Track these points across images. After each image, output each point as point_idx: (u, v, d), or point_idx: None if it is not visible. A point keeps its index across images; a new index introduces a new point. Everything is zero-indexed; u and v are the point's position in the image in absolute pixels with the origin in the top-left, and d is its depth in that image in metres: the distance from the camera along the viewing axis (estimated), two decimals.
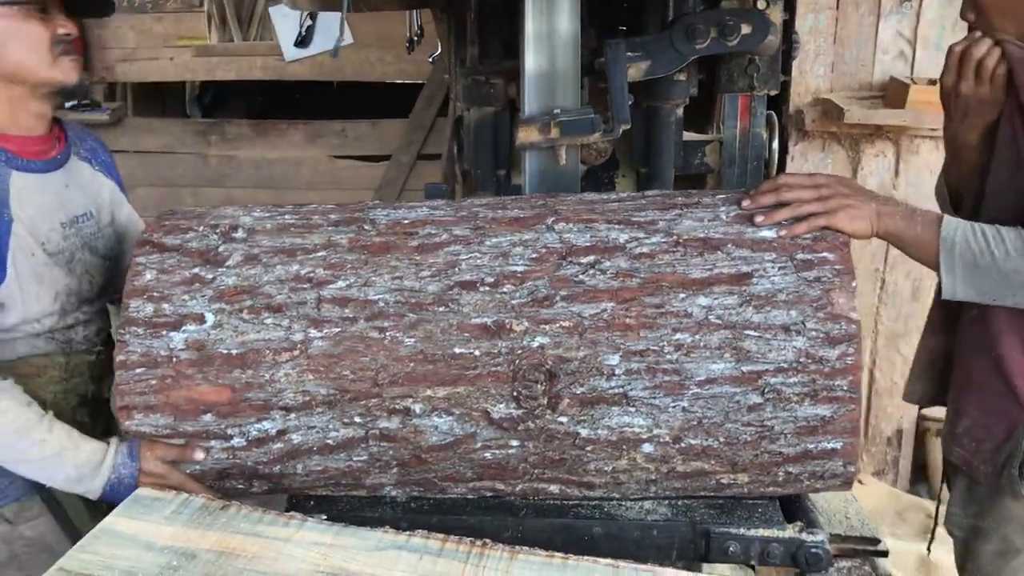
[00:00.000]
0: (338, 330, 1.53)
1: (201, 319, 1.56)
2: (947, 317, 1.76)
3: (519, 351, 1.48)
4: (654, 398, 1.47)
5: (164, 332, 1.56)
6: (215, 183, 4.90)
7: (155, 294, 1.58)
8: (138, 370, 1.56)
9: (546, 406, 1.49)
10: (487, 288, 1.52)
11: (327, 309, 1.54)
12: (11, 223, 1.68)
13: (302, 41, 4.54)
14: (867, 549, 1.96)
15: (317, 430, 1.56)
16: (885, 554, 1.99)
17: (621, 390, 1.47)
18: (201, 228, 1.67)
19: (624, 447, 1.50)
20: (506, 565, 1.31)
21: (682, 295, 1.47)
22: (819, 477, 1.52)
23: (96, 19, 4.87)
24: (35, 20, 1.67)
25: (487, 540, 1.37)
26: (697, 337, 1.45)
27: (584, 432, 1.49)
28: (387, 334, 1.52)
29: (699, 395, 1.46)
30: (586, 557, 1.33)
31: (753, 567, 2.00)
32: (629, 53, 1.93)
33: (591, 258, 1.52)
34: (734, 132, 2.46)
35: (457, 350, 1.50)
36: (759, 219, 1.51)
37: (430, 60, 4.06)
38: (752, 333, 1.45)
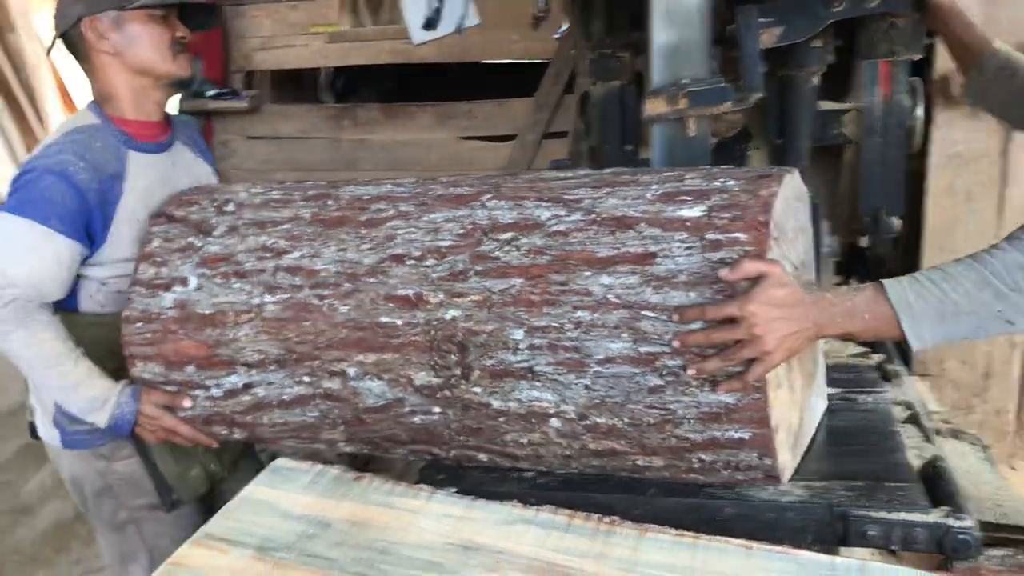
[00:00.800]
0: (287, 296, 1.66)
1: (186, 282, 1.76)
2: None
3: (434, 322, 1.54)
4: (558, 374, 1.47)
5: (159, 292, 1.78)
6: (348, 166, 5.02)
7: (157, 259, 1.81)
8: (137, 324, 1.80)
9: (460, 376, 1.53)
10: (413, 261, 1.58)
11: (281, 276, 1.68)
12: (121, 195, 1.93)
13: (429, 24, 4.58)
14: (1021, 538, 1.85)
15: (275, 386, 1.70)
16: None
17: (527, 364, 1.48)
18: (204, 202, 1.88)
19: (534, 420, 1.52)
20: (634, 543, 1.29)
21: (587, 273, 1.45)
22: (736, 468, 1.46)
23: (236, 14, 5.09)
24: (159, 24, 1.97)
25: (615, 517, 1.36)
26: (596, 316, 1.43)
27: (496, 404, 1.53)
28: (325, 302, 1.63)
29: (600, 374, 1.44)
30: (717, 537, 1.30)
31: (894, 552, 1.91)
32: (761, 19, 1.86)
33: (510, 235, 1.53)
34: (874, 100, 2.35)
35: (383, 319, 1.58)
36: (691, 371, 1.38)
37: (556, 37, 4.04)
38: (649, 314, 1.40)
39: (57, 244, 1.84)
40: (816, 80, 2.35)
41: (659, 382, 1.42)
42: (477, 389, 1.54)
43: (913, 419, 1.78)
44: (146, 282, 1.81)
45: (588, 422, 1.49)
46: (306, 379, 1.66)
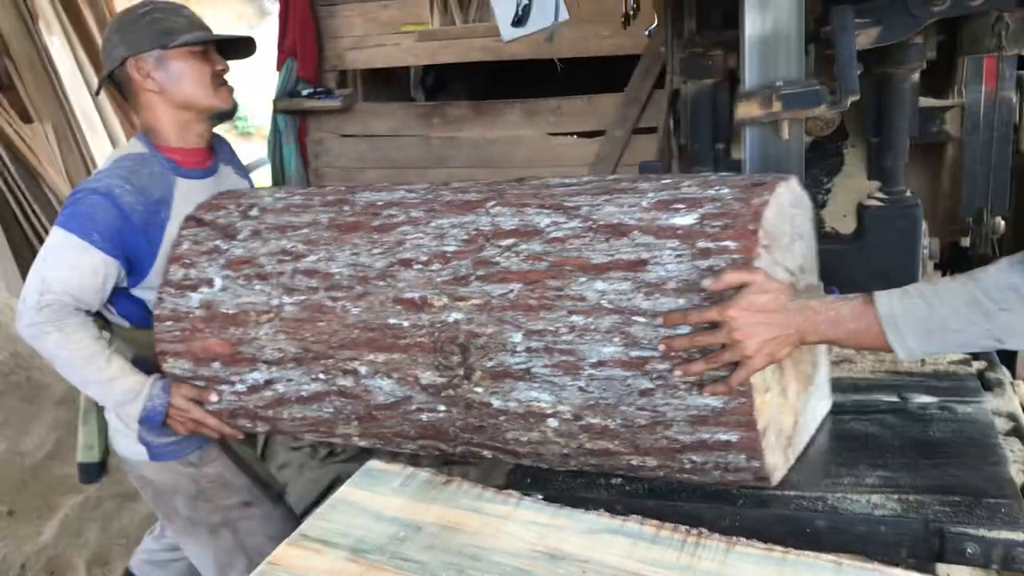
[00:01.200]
0: (304, 298, 1.76)
1: (212, 283, 1.86)
2: None
3: (438, 325, 1.61)
4: (554, 376, 1.52)
5: (187, 293, 1.89)
6: (438, 163, 5.08)
7: (186, 261, 1.91)
8: (168, 323, 1.91)
9: (462, 376, 1.60)
10: (420, 266, 1.66)
11: (299, 279, 1.77)
12: (167, 220, 2.03)
13: (519, 20, 4.59)
14: None
15: (294, 383, 1.79)
16: None
17: (525, 366, 1.54)
18: (231, 206, 1.98)
19: (532, 420, 1.57)
20: (722, 556, 1.28)
21: (582, 279, 1.50)
22: (726, 469, 1.49)
23: (329, 14, 5.19)
24: (199, 59, 2.06)
25: (703, 529, 1.35)
26: (590, 320, 1.48)
27: (496, 403, 1.59)
28: (339, 303, 1.72)
29: (593, 376, 1.49)
30: (807, 552, 1.28)
31: (999, 572, 1.84)
32: (858, 19, 1.81)
33: (510, 241, 1.59)
34: (978, 97, 2.27)
35: (391, 321, 1.66)
36: (677, 373, 1.43)
37: (646, 33, 4.00)
38: (640, 319, 1.45)
39: (95, 258, 1.94)
40: (915, 77, 2.28)
41: (649, 385, 1.47)
42: (479, 389, 1.60)
43: (1016, 431, 1.72)
44: (175, 283, 1.91)
45: (583, 422, 1.54)
46: (322, 376, 1.76)
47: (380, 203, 1.82)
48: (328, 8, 5.24)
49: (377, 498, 1.47)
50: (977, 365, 2.00)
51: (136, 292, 2.06)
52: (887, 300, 1.38)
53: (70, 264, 1.94)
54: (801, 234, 1.65)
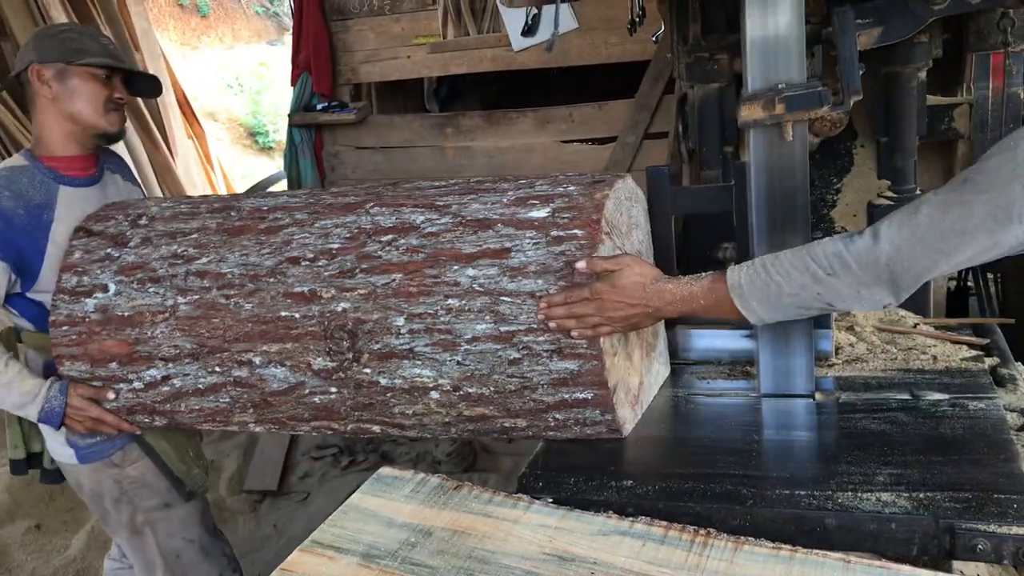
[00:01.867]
0: (197, 297, 1.90)
1: (106, 288, 1.99)
2: None
3: (328, 314, 1.79)
4: (435, 353, 1.72)
5: (81, 298, 2.01)
6: (453, 173, 5.11)
7: (79, 269, 2.04)
8: (64, 328, 2.03)
9: (352, 360, 1.78)
10: (307, 263, 1.83)
11: (192, 280, 1.92)
12: (51, 223, 2.15)
13: (529, 30, 4.62)
14: None
15: (191, 376, 1.94)
16: None
17: (408, 346, 1.73)
18: (119, 216, 2.11)
19: (416, 394, 1.77)
20: (730, 555, 1.29)
21: (455, 267, 1.71)
22: (584, 424, 1.72)
23: (342, 28, 5.22)
24: (98, 83, 2.19)
25: (711, 529, 1.36)
26: (464, 302, 1.70)
27: (384, 381, 1.78)
28: (232, 300, 1.87)
29: (469, 351, 1.70)
30: (815, 551, 1.28)
31: (1016, 567, 1.83)
32: (859, 20, 1.82)
33: (390, 237, 1.79)
34: (986, 93, 2.28)
35: (283, 313, 1.82)
36: (552, 324, 1.64)
37: (654, 39, 4.02)
38: (507, 299, 1.67)
39: None
40: (922, 76, 2.29)
41: (517, 355, 1.69)
42: (367, 370, 1.78)
43: None
44: (69, 290, 2.03)
45: (462, 392, 1.74)
46: (218, 369, 1.91)
47: (265, 208, 1.98)
48: (341, 23, 5.29)
49: (388, 504, 1.49)
50: (990, 362, 2.00)
51: (32, 295, 2.17)
52: (735, 272, 1.57)
53: None
54: (637, 223, 1.91)
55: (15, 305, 2.20)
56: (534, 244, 1.69)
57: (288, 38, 5.55)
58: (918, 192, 2.37)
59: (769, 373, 1.91)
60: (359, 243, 1.81)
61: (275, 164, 11.66)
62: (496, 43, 4.94)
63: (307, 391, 1.86)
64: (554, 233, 1.68)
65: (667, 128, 4.33)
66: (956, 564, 1.55)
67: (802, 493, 1.51)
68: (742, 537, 1.33)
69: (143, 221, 2.07)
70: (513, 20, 4.72)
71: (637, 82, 4.62)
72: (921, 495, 1.46)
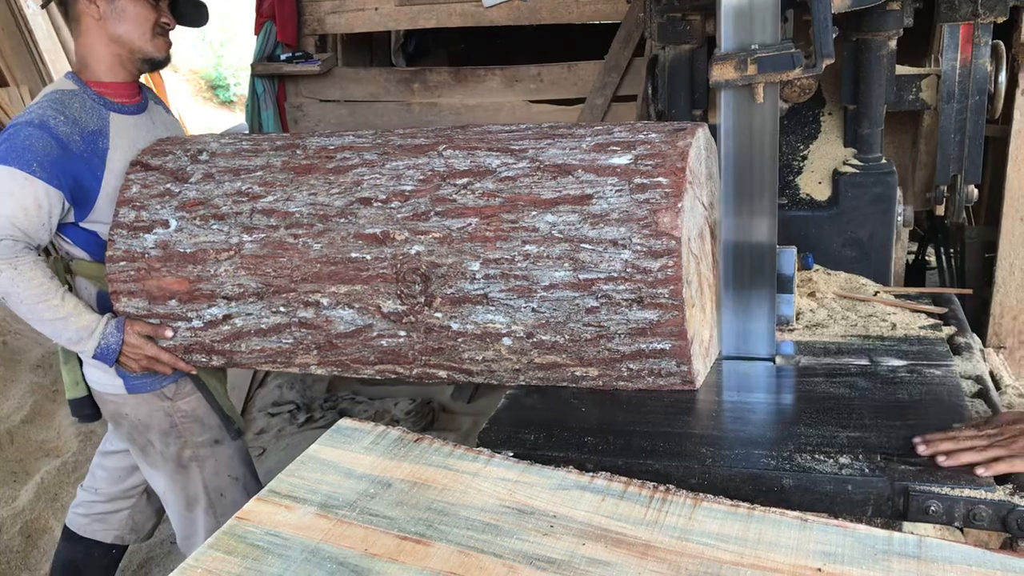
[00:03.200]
0: (264, 235, 1.87)
1: (167, 224, 1.95)
2: None
3: (400, 257, 1.76)
4: (509, 299, 1.71)
5: (140, 234, 1.97)
6: (419, 129, 5.03)
7: (136, 204, 1.99)
8: (121, 263, 1.99)
9: (423, 303, 1.76)
10: (379, 204, 1.80)
11: (258, 218, 1.88)
12: (107, 151, 2.09)
13: None
14: None
15: (253, 316, 1.91)
16: None
17: (482, 291, 1.72)
18: (178, 151, 2.06)
19: (488, 340, 1.76)
20: (688, 511, 1.29)
21: (533, 212, 1.69)
22: (658, 375, 1.72)
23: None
24: (147, 5, 2.12)
25: (671, 486, 1.37)
26: (542, 248, 1.67)
27: (455, 326, 1.76)
28: (300, 240, 1.84)
29: (545, 298, 1.69)
30: (773, 508, 1.29)
31: (962, 529, 1.87)
32: None
33: (465, 180, 1.76)
34: (954, 64, 2.28)
35: (353, 255, 1.80)
36: (943, 460, 1.44)
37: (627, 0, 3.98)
38: (587, 246, 1.65)
39: (37, 189, 1.96)
40: (892, 44, 2.28)
41: (595, 304, 1.67)
42: (438, 314, 1.77)
43: (982, 394, 1.74)
44: (127, 224, 1.99)
45: (535, 339, 1.73)
46: (282, 309, 1.88)
47: (332, 147, 1.94)
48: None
49: (348, 455, 1.48)
50: (947, 330, 2.02)
51: (87, 225, 2.10)
52: None
53: (13, 197, 1.95)
54: (711, 175, 1.89)
55: (68, 234, 2.14)
56: (616, 191, 1.66)
57: None
58: (883, 161, 2.38)
59: (731, 336, 1.92)
60: (433, 185, 1.78)
61: (235, 118, 11.47)
62: None
63: (375, 334, 1.84)
64: (637, 180, 1.66)
65: (636, 91, 4.31)
66: (906, 526, 1.58)
67: (760, 453, 1.53)
68: (700, 494, 1.34)
69: (203, 157, 2.02)
70: None
71: (607, 43, 4.58)
72: (877, 458, 1.49)
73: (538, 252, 1.68)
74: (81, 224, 2.11)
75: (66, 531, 2.65)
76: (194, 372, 2.15)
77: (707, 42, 2.42)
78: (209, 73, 12.55)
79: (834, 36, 1.75)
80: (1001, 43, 2.28)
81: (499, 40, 5.82)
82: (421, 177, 1.80)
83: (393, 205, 1.79)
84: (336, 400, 4.39)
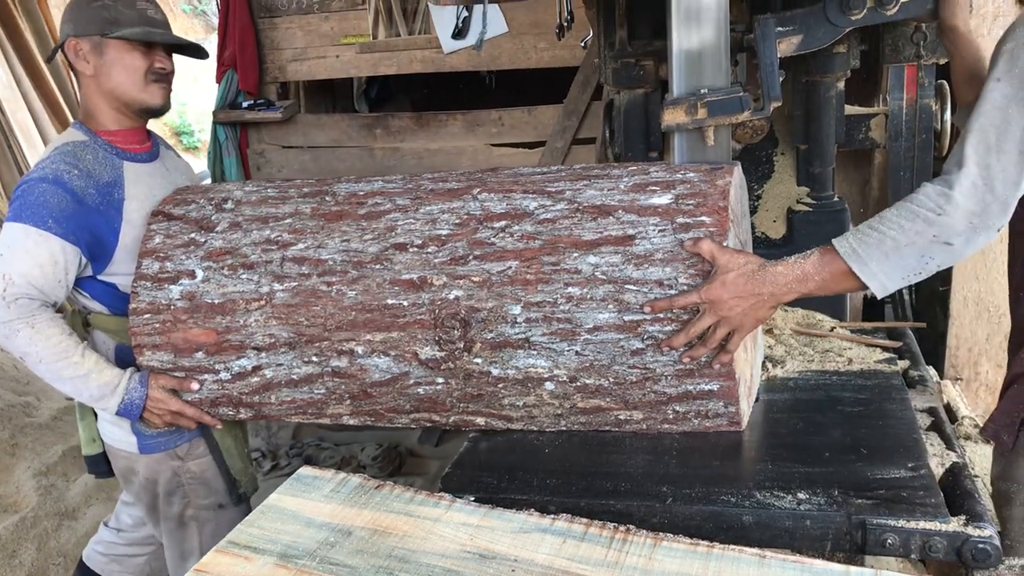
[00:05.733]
0: (296, 284, 1.82)
1: (193, 275, 1.90)
2: None
3: (439, 302, 1.72)
4: (552, 343, 1.68)
5: (165, 285, 1.91)
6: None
7: (160, 254, 1.94)
8: (145, 316, 1.92)
9: (463, 349, 1.72)
10: (415, 249, 1.76)
11: (288, 267, 1.84)
12: (123, 202, 2.03)
13: (459, 32, 4.61)
14: None
15: (284, 367, 1.86)
16: None
17: (524, 335, 1.69)
18: (201, 200, 2.02)
19: (530, 385, 1.72)
20: (649, 551, 1.30)
21: (575, 254, 1.66)
22: (705, 416, 1.70)
23: (270, 26, 5.16)
24: (138, 53, 2.04)
25: (631, 526, 1.37)
26: (585, 291, 1.65)
27: (496, 371, 1.72)
28: (334, 287, 1.79)
29: (589, 340, 1.66)
30: (732, 546, 1.30)
31: (923, 562, 1.89)
32: (779, 28, 1.86)
33: (503, 223, 1.73)
34: (900, 104, 2.34)
35: (389, 301, 1.76)
36: (684, 359, 1.63)
37: (582, 45, 4.05)
38: (632, 287, 1.62)
39: (53, 245, 1.92)
40: (841, 85, 2.35)
41: (640, 345, 1.65)
42: (478, 360, 1.73)
43: (936, 426, 1.77)
44: (151, 276, 1.93)
45: (578, 383, 1.70)
46: (315, 359, 1.83)
47: (362, 193, 1.90)
48: (269, 20, 5.21)
49: (307, 504, 1.47)
50: (902, 364, 2.06)
51: (105, 278, 2.05)
52: (843, 241, 1.54)
53: (29, 255, 1.91)
54: (745, 213, 1.88)
55: (85, 287, 2.07)
56: (659, 231, 1.63)
57: (216, 37, 5.46)
58: (835, 199, 2.43)
59: None
60: (470, 229, 1.74)
61: (200, 163, 11.46)
62: (426, 44, 4.92)
63: (411, 381, 1.79)
64: (680, 220, 1.63)
65: (595, 134, 4.37)
66: (868, 559, 1.59)
67: (721, 491, 1.54)
68: (660, 533, 1.34)
69: (228, 205, 1.97)
70: (443, 22, 4.71)
71: (567, 87, 4.65)
72: (835, 492, 1.50)
73: (581, 294, 1.65)
74: (99, 277, 2.06)
75: (81, 564, 2.60)
76: (220, 426, 2.09)
77: (661, 86, 2.47)
78: (174, 120, 12.54)
79: (781, 79, 1.81)
80: (945, 83, 2.35)
81: (461, 85, 5.89)
82: (457, 221, 1.76)
83: (430, 250, 1.75)
84: (302, 447, 4.35)
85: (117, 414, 2.01)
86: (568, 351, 1.67)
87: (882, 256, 1.51)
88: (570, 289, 1.65)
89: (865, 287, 1.54)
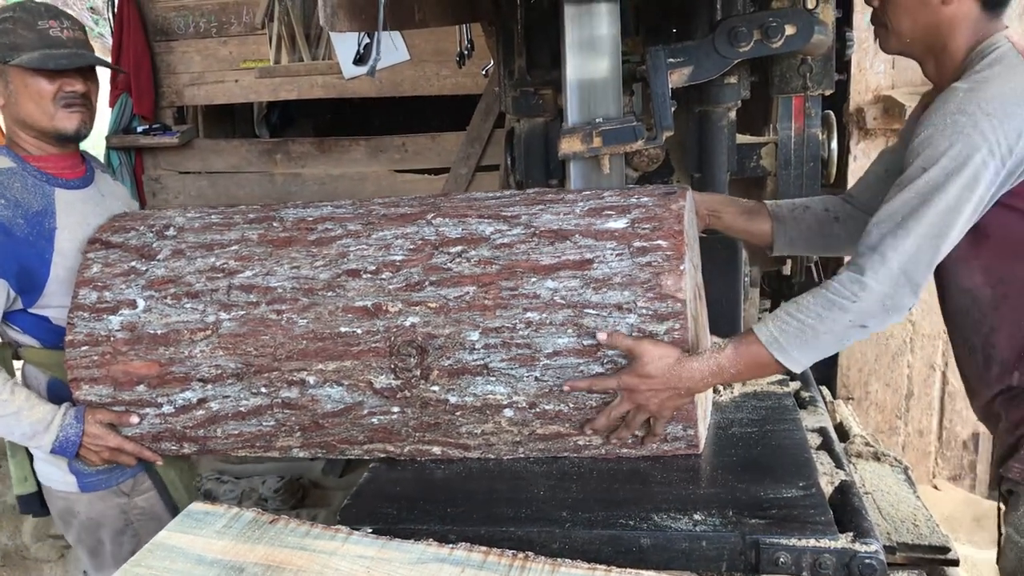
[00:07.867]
0: (243, 312, 1.76)
1: (134, 304, 1.82)
2: None
3: (394, 329, 1.69)
4: (511, 369, 1.66)
5: (104, 316, 1.83)
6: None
7: (99, 284, 1.85)
8: (83, 348, 1.83)
9: (419, 376, 1.69)
10: (369, 275, 1.72)
11: (235, 295, 1.78)
12: (54, 231, 1.93)
13: (361, 59, 4.61)
14: (935, 558, 1.89)
15: (231, 399, 1.79)
16: (956, 563, 1.91)
17: (482, 362, 1.66)
18: (141, 228, 1.94)
19: (488, 412, 1.70)
20: None
21: (533, 279, 1.65)
22: (663, 439, 1.70)
23: (167, 49, 5.05)
24: (42, 78, 1.91)
25: (529, 553, 1.37)
26: (545, 315, 1.64)
27: (453, 399, 1.69)
28: (284, 316, 1.74)
29: (548, 366, 1.65)
30: (630, 570, 1.31)
31: None
32: (670, 59, 1.91)
33: (459, 248, 1.71)
34: (789, 133, 2.42)
35: (342, 329, 1.71)
36: (613, 441, 1.70)
37: (483, 73, 4.09)
38: (591, 311, 1.62)
39: None
40: (732, 115, 2.42)
41: (600, 370, 1.64)
42: (435, 387, 1.69)
43: (826, 446, 1.83)
44: (89, 306, 1.84)
45: (538, 409, 1.69)
46: (263, 390, 1.77)
47: (311, 218, 1.85)
48: (165, 44, 5.11)
49: (198, 540, 1.42)
50: (794, 385, 2.12)
51: (36, 311, 1.96)
52: (764, 329, 1.59)
53: None
54: (696, 237, 1.91)
55: (15, 321, 1.97)
56: (616, 255, 1.64)
57: (110, 59, 5.30)
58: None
59: None
60: (425, 254, 1.72)
61: None
62: (327, 70, 4.89)
63: (365, 411, 1.75)
64: (637, 244, 1.64)
65: (499, 160, 4.40)
66: None
67: (619, 514, 1.55)
68: (559, 559, 1.34)
69: (171, 232, 1.90)
70: (345, 48, 4.70)
71: (470, 115, 4.68)
72: (729, 513, 1.53)
73: (540, 319, 1.64)
74: (30, 310, 1.95)
75: None
76: (160, 462, 1.98)
77: (560, 114, 2.49)
78: None
79: (673, 109, 1.85)
80: (831, 113, 2.45)
81: (365, 111, 5.87)
82: (411, 246, 1.74)
83: (384, 276, 1.72)
84: (200, 481, 4.22)
85: (52, 452, 1.91)
86: (527, 377, 1.66)
87: (802, 344, 1.57)
88: (529, 314, 1.64)
89: (783, 370, 1.62)
